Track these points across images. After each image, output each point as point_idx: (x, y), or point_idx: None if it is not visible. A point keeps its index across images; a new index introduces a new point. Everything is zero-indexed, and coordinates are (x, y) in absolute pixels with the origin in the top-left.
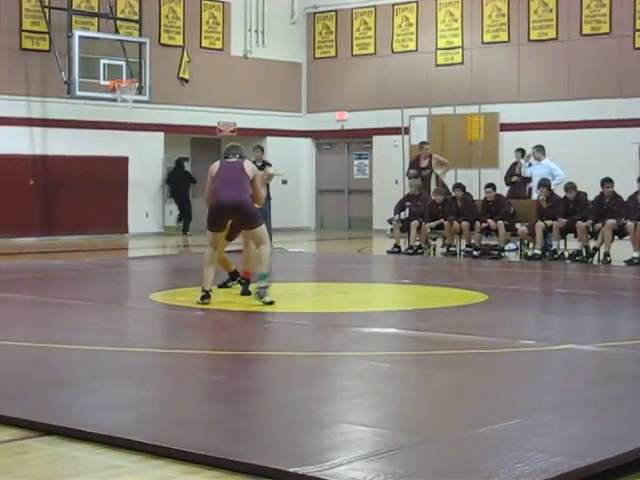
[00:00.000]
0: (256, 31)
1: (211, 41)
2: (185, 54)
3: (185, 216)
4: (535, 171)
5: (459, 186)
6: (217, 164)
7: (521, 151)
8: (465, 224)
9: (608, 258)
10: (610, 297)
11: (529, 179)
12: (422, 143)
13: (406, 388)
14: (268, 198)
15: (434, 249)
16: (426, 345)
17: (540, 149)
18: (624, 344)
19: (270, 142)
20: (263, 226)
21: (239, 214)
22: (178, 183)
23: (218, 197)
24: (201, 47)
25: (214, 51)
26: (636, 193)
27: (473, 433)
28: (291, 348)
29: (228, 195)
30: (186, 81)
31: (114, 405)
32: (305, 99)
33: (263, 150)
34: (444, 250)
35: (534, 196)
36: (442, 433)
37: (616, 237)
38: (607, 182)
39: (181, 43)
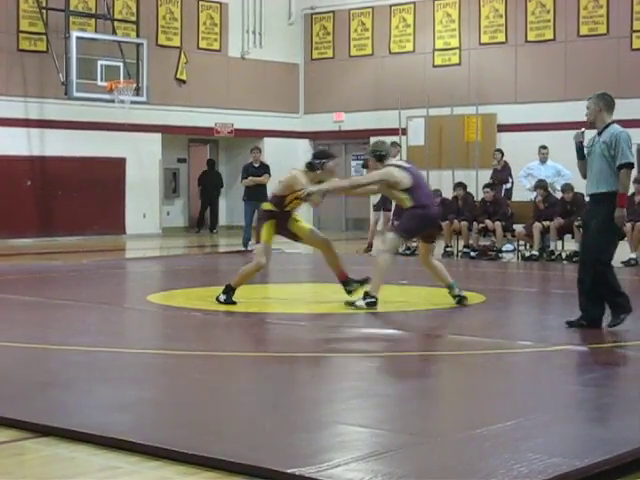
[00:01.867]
0: (253, 32)
1: (208, 42)
2: (182, 55)
3: (213, 216)
4: (542, 172)
5: (460, 185)
6: (396, 167)
7: (501, 151)
8: (464, 224)
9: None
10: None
11: (505, 180)
12: (395, 143)
13: (404, 389)
14: (264, 199)
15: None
16: (424, 346)
17: (547, 150)
18: (622, 345)
19: (267, 143)
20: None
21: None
22: (209, 183)
23: (431, 209)
24: (198, 48)
25: (211, 52)
26: (633, 194)
27: (471, 434)
28: (289, 349)
29: (436, 208)
30: (183, 82)
31: (111, 406)
32: (302, 100)
33: (260, 151)
34: (441, 251)
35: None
36: (440, 434)
37: None
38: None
39: (178, 44)
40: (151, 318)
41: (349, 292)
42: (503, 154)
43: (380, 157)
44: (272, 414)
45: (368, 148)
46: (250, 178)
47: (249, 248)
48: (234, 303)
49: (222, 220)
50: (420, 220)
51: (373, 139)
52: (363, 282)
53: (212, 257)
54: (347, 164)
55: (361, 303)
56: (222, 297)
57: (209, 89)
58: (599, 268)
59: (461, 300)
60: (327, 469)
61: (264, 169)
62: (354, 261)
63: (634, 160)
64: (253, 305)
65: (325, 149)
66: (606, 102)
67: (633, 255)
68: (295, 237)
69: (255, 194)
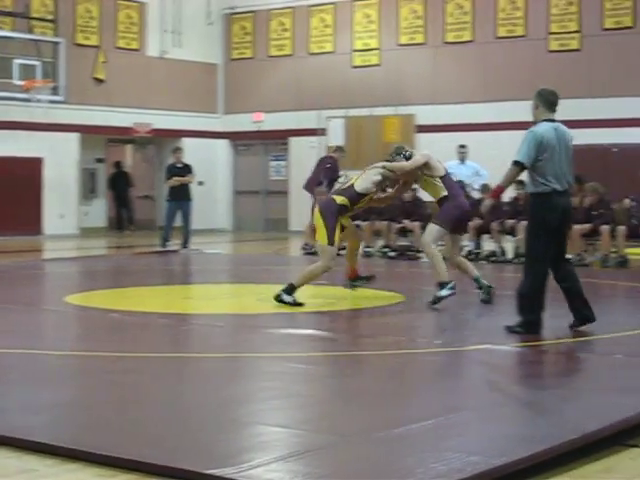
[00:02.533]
0: (172, 32)
1: (127, 41)
2: (100, 54)
3: (130, 213)
4: (461, 171)
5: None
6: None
7: (341, 149)
8: (384, 224)
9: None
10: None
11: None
12: (340, 148)
13: (323, 389)
14: (189, 199)
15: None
16: (343, 346)
17: (465, 149)
18: (539, 344)
19: (187, 143)
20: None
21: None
22: (119, 184)
23: (463, 200)
24: (117, 47)
25: (130, 51)
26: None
27: (390, 433)
28: (208, 350)
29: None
30: (102, 81)
31: (28, 408)
32: (222, 100)
33: (182, 151)
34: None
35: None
36: (360, 433)
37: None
38: (518, 184)
39: (97, 43)
40: (69, 319)
41: (353, 287)
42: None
43: (407, 158)
44: (191, 415)
45: (392, 153)
46: (175, 178)
47: (168, 248)
48: (301, 304)
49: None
50: (458, 209)
51: (293, 139)
52: (369, 278)
53: (131, 258)
54: (266, 164)
55: (444, 293)
56: (288, 298)
57: (127, 89)
58: (536, 268)
59: (489, 290)
60: (247, 469)
61: (187, 169)
62: (272, 261)
63: (526, 160)
64: (172, 305)
65: (401, 145)
66: (542, 99)
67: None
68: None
69: (179, 194)
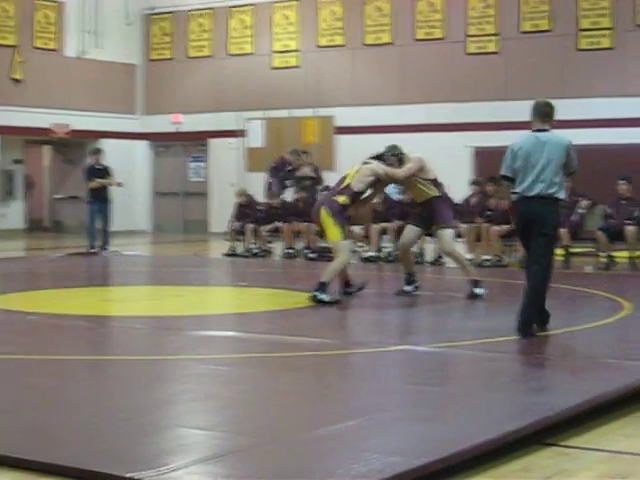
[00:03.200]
0: (91, 32)
1: (44, 41)
2: (18, 54)
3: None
4: None
5: (304, 188)
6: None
7: (296, 152)
8: (304, 225)
9: (441, 260)
10: (443, 298)
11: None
12: (303, 152)
13: (243, 391)
14: (108, 201)
15: (270, 252)
16: (263, 348)
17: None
18: (458, 344)
19: (105, 144)
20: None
21: None
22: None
23: (452, 201)
24: (34, 47)
25: (48, 51)
26: (469, 196)
27: (310, 434)
28: (127, 352)
29: None
30: (19, 82)
31: None
32: (141, 101)
33: (102, 153)
34: (281, 252)
35: None
36: (279, 435)
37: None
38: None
39: (14, 43)
40: None
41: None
42: (309, 155)
43: (400, 159)
44: (110, 418)
45: (386, 153)
46: (97, 180)
47: (95, 250)
48: (338, 301)
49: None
50: (451, 207)
51: (212, 141)
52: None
53: (49, 260)
54: (186, 166)
55: (480, 291)
56: (325, 297)
57: (45, 89)
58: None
59: (416, 288)
60: (167, 472)
61: (107, 171)
62: (192, 263)
63: (506, 172)
64: (91, 308)
65: (394, 145)
66: (534, 110)
67: (469, 256)
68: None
69: (100, 196)
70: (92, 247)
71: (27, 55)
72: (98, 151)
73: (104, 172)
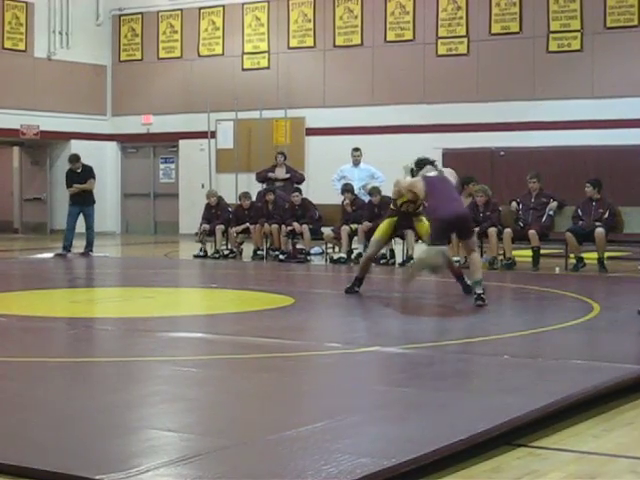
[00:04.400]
0: (60, 32)
1: (14, 42)
2: None
3: None
4: (354, 175)
5: (270, 190)
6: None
7: (283, 155)
8: (274, 227)
9: (412, 261)
10: (414, 299)
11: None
12: (279, 153)
13: (213, 392)
14: (91, 202)
15: (241, 253)
16: (233, 349)
17: (359, 152)
18: (427, 345)
19: (74, 145)
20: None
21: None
22: None
23: (441, 212)
24: (3, 48)
25: (17, 52)
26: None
27: (280, 436)
28: (96, 354)
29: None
30: None
31: None
32: (110, 102)
33: (79, 158)
34: (251, 253)
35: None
36: (249, 437)
37: (419, 240)
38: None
39: None
40: None
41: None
42: (285, 157)
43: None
44: (78, 420)
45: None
46: (75, 186)
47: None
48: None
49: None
50: (438, 224)
51: (182, 142)
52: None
53: (17, 261)
54: (156, 167)
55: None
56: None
57: (14, 90)
58: None
59: (478, 299)
60: (136, 474)
61: (87, 173)
62: (162, 264)
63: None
64: (60, 309)
65: (425, 157)
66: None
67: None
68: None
69: (81, 199)
70: (65, 248)
71: None
72: (76, 158)
73: (82, 175)
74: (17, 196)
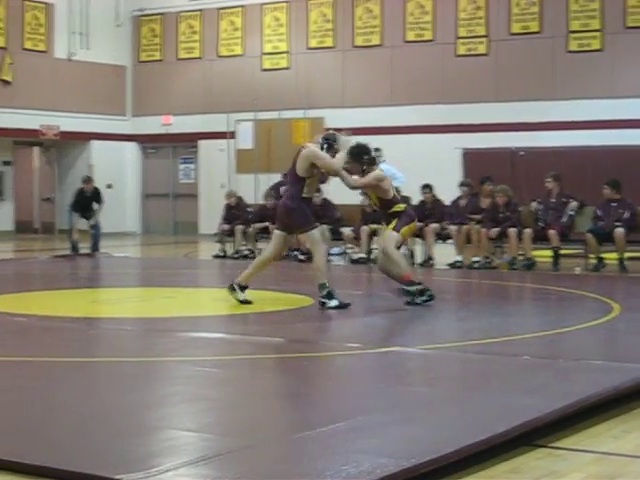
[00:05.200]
0: (80, 33)
1: (34, 43)
2: (7, 56)
3: None
4: None
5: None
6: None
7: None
8: None
9: (431, 261)
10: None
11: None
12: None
13: (233, 392)
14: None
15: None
16: (253, 349)
17: (380, 152)
18: (447, 346)
19: (94, 146)
20: (311, 232)
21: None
22: None
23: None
24: (24, 49)
25: (37, 53)
26: (459, 197)
27: (300, 436)
28: (116, 354)
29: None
30: (8, 83)
31: None
32: (130, 103)
33: (92, 181)
34: None
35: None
36: (269, 437)
37: (439, 241)
38: (425, 188)
39: (3, 44)
40: None
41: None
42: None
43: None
44: (99, 420)
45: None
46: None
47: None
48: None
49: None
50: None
51: (202, 142)
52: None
53: (38, 261)
54: (175, 167)
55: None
56: (413, 287)
57: (35, 90)
58: None
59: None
60: (156, 474)
61: (95, 197)
62: (182, 265)
63: None
64: (80, 309)
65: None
66: None
67: (459, 258)
68: None
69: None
70: (73, 249)
71: (16, 56)
72: (89, 180)
73: (91, 199)
74: (37, 196)
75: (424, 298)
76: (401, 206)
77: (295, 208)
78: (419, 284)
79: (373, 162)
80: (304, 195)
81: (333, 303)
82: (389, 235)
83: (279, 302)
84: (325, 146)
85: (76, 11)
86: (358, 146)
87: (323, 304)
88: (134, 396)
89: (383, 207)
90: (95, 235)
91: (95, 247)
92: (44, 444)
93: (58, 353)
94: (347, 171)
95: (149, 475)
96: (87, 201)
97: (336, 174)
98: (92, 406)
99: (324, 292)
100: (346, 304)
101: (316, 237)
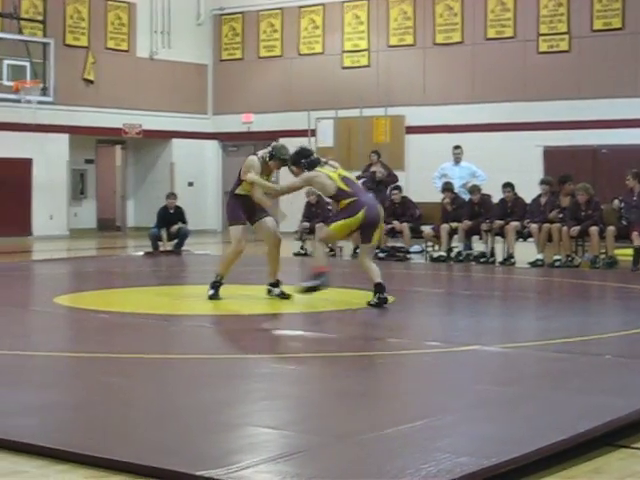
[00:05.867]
0: (162, 32)
1: (116, 42)
2: (90, 55)
3: None
4: (456, 173)
5: (371, 189)
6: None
7: (377, 154)
8: None
9: (512, 260)
10: (514, 298)
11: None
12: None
13: (313, 390)
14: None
15: (341, 250)
16: (333, 347)
17: (460, 150)
18: (528, 345)
19: (176, 144)
20: (234, 227)
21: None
22: None
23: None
24: (106, 48)
25: (119, 52)
26: (539, 196)
27: (380, 434)
28: (198, 351)
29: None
30: (91, 82)
31: (17, 410)
32: (211, 101)
33: (176, 197)
34: (351, 252)
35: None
36: (349, 435)
37: (520, 239)
38: (506, 187)
39: (86, 44)
40: (58, 320)
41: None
42: (379, 155)
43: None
44: (180, 416)
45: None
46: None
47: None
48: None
49: (130, 221)
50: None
51: (282, 140)
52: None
53: (120, 259)
54: None
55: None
56: (316, 282)
57: (117, 89)
58: None
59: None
60: (236, 471)
61: (179, 215)
62: (262, 262)
63: None
64: (162, 306)
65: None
66: None
67: (540, 256)
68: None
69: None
70: (155, 247)
71: (99, 56)
72: (172, 195)
73: (175, 216)
74: (119, 194)
75: (313, 285)
76: (345, 202)
77: (229, 203)
78: (322, 281)
79: (312, 165)
80: (237, 192)
81: (210, 292)
82: (322, 227)
83: (359, 300)
84: (268, 156)
85: (158, 10)
86: (297, 152)
87: (213, 288)
88: (214, 393)
89: (335, 203)
90: (181, 236)
91: (179, 246)
92: (125, 440)
93: (139, 350)
94: (295, 175)
95: (229, 472)
96: (171, 219)
97: (252, 182)
98: (172, 402)
99: (213, 279)
100: (215, 297)
101: (235, 233)
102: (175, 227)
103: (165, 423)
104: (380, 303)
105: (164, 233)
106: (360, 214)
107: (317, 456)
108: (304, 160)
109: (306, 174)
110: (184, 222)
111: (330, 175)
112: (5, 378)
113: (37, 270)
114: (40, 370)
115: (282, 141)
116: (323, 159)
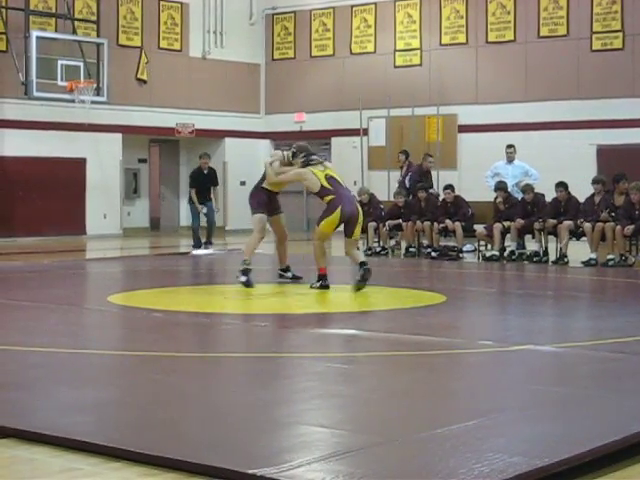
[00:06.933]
0: (214, 32)
1: (169, 42)
2: (143, 55)
3: None
4: (508, 172)
5: (423, 187)
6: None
7: (405, 153)
8: (427, 224)
9: (565, 259)
10: (567, 298)
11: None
12: (427, 154)
13: (365, 389)
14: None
15: (393, 250)
16: (384, 346)
17: (513, 149)
18: (581, 344)
19: (228, 143)
20: (256, 215)
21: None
22: None
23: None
24: (159, 48)
25: (172, 52)
26: (592, 195)
27: (432, 434)
28: (249, 349)
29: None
30: (144, 82)
31: (72, 407)
32: (264, 100)
33: (210, 157)
34: (403, 251)
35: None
36: (401, 434)
37: (573, 238)
38: (559, 186)
39: (139, 44)
40: (111, 319)
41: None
42: (408, 155)
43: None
44: (232, 415)
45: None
46: (193, 198)
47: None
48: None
49: (182, 221)
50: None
51: (334, 139)
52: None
53: (172, 258)
54: None
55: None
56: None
57: (170, 89)
58: None
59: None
60: (288, 469)
61: (212, 176)
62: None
63: None
64: (213, 305)
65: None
66: None
67: (593, 255)
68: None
69: (203, 197)
70: (196, 246)
71: (152, 56)
72: (205, 155)
73: (209, 177)
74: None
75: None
76: (327, 198)
77: (253, 194)
78: (324, 280)
79: (306, 163)
80: (263, 185)
81: (242, 279)
82: (315, 229)
83: (411, 299)
84: (291, 155)
85: (210, 10)
86: (297, 147)
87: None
88: (266, 392)
89: (320, 199)
90: (209, 223)
91: (209, 238)
92: (178, 437)
93: (191, 348)
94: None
95: (281, 470)
96: (204, 180)
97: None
98: (225, 401)
99: (241, 267)
100: (249, 284)
101: (257, 221)
102: (203, 210)
103: (217, 421)
104: (365, 275)
105: (203, 210)
106: (337, 210)
107: (369, 455)
108: (301, 155)
109: (299, 169)
110: (216, 184)
111: (316, 173)
112: (61, 376)
113: (91, 269)
114: (95, 368)
115: (335, 140)
116: (319, 159)
